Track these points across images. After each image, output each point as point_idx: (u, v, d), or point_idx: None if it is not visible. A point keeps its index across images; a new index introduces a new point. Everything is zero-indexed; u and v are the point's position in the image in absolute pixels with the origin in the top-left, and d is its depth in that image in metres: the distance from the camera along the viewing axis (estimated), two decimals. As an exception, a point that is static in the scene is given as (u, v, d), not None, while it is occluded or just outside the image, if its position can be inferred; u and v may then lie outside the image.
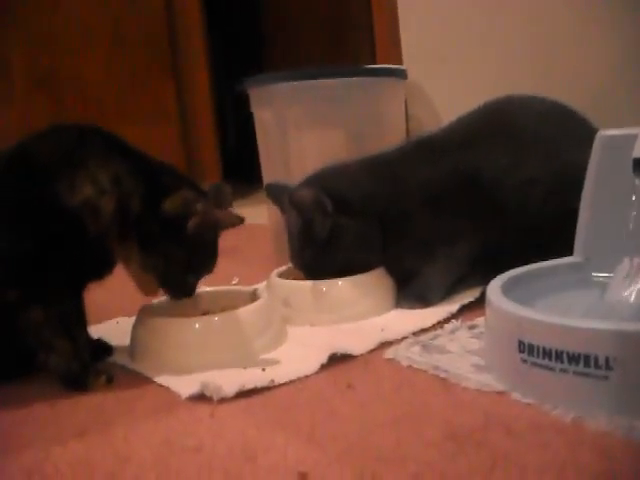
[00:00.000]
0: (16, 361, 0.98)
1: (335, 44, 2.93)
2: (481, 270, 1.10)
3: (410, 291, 1.18)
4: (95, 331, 1.07)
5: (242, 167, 2.43)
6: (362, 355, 0.98)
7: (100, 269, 0.99)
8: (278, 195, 1.25)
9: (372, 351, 0.99)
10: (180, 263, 0.97)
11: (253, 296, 1.08)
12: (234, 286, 1.26)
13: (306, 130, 1.59)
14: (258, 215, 1.82)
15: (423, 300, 1.16)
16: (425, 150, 1.23)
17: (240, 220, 0.98)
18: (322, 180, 1.18)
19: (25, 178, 0.93)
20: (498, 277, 0.93)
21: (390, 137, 1.57)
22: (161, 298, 1.06)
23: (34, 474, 0.73)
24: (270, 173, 1.63)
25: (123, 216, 0.94)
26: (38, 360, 0.94)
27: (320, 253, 1.15)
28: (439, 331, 1.04)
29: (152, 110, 2.51)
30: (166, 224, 0.95)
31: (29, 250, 0.91)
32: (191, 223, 0.94)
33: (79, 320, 1.00)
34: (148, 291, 1.00)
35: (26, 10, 2.29)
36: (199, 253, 0.98)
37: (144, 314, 1.04)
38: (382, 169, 1.21)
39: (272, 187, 1.30)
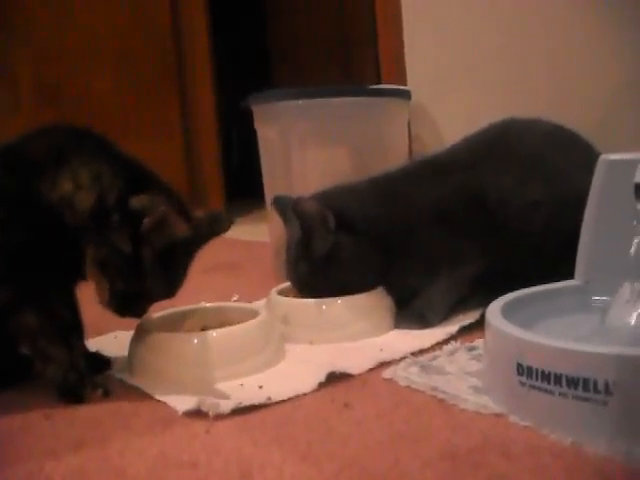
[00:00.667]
0: (12, 368, 0.97)
1: (341, 62, 2.94)
2: (482, 291, 1.10)
3: (410, 311, 1.18)
4: (93, 344, 1.07)
5: (245, 184, 2.44)
6: (360, 374, 0.97)
7: (83, 268, 0.96)
8: (284, 207, 1.26)
9: (370, 370, 0.99)
10: (126, 268, 0.93)
11: (252, 313, 1.08)
12: (234, 302, 1.26)
13: (310, 148, 1.59)
14: (259, 233, 1.82)
15: (423, 321, 1.16)
16: (430, 170, 1.23)
17: (189, 231, 0.94)
18: (327, 197, 1.18)
19: (11, 175, 0.93)
20: (498, 299, 0.93)
21: (393, 157, 1.57)
22: (159, 313, 1.06)
23: (29, 486, 0.72)
24: (273, 190, 1.63)
25: (97, 215, 0.92)
26: (34, 369, 0.94)
27: (315, 269, 1.15)
28: (438, 352, 1.04)
29: (156, 126, 2.53)
30: (124, 221, 0.92)
31: (19, 246, 0.90)
32: (146, 220, 0.92)
33: (75, 329, 0.99)
34: (105, 302, 0.96)
35: (34, 26, 2.31)
36: (149, 266, 0.94)
37: (142, 328, 1.04)
38: (387, 189, 1.21)
39: (279, 199, 1.30)
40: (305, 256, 1.16)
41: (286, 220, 1.24)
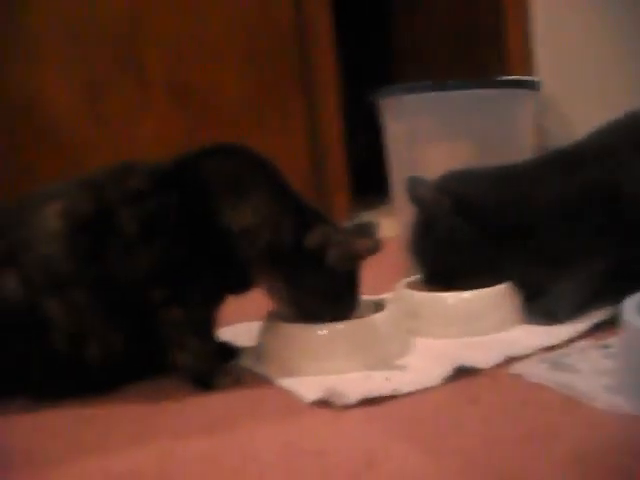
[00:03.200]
0: (148, 361, 1.02)
1: (464, 58, 2.90)
2: (613, 288, 1.06)
3: (540, 307, 1.15)
4: (223, 334, 1.11)
5: (371, 180, 2.44)
6: (488, 369, 0.96)
7: (240, 288, 1.04)
8: (413, 189, 1.26)
9: (498, 366, 0.97)
10: (322, 295, 1.00)
11: (378, 306, 1.09)
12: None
13: (435, 142, 1.58)
14: (387, 228, 1.82)
15: (553, 317, 1.13)
16: (558, 164, 1.20)
17: (377, 245, 0.99)
18: (447, 181, 1.18)
19: (190, 191, 0.99)
20: (633, 296, 0.89)
21: (519, 150, 1.53)
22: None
23: (163, 464, 0.76)
24: (399, 185, 1.63)
25: (274, 249, 0.99)
26: (169, 359, 0.99)
27: (436, 251, 1.16)
28: (569, 349, 1.01)
29: (281, 123, 2.56)
30: (308, 258, 0.99)
31: (182, 256, 0.97)
32: (330, 253, 0.98)
33: (212, 324, 1.04)
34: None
35: (165, 24, 2.38)
36: (339, 289, 1.01)
37: (271, 319, 1.06)
38: (512, 181, 1.19)
39: (411, 181, 1.31)
40: (426, 240, 1.17)
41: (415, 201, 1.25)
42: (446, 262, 1.16)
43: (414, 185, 1.25)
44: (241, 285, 1.04)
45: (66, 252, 0.95)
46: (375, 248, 0.99)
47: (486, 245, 1.14)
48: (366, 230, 1.05)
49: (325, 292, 1.00)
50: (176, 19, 2.40)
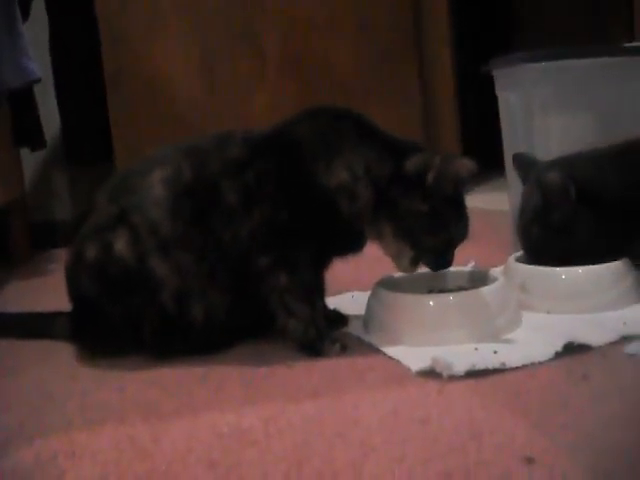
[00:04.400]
0: (254, 324, 1.05)
1: (590, 28, 2.79)
2: None
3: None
4: (332, 302, 1.12)
5: (482, 152, 2.40)
6: (600, 347, 0.93)
7: (348, 247, 1.05)
8: (523, 165, 1.25)
9: (612, 344, 0.94)
10: (430, 225, 0.99)
11: (488, 279, 1.07)
12: (470, 268, 1.25)
13: (553, 114, 1.53)
14: (497, 201, 1.78)
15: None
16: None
17: (473, 165, 0.98)
18: (572, 166, 1.14)
19: (285, 156, 1.01)
20: None
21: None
22: (397, 274, 1.08)
23: (270, 425, 0.78)
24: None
25: (375, 199, 0.99)
26: (277, 324, 1.01)
27: (549, 237, 1.12)
28: (689, 329, 0.97)
29: (395, 93, 2.54)
30: (409, 187, 0.98)
31: (284, 220, 0.99)
32: (430, 175, 0.97)
33: (319, 290, 1.05)
34: (405, 267, 1.02)
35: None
36: (446, 214, 0.99)
37: (379, 288, 1.06)
38: (634, 159, 1.14)
39: (519, 157, 1.29)
40: (541, 223, 1.13)
41: (525, 179, 1.22)
42: (561, 249, 1.12)
43: (526, 161, 1.23)
44: (348, 245, 1.04)
45: (170, 217, 0.99)
46: (473, 167, 0.98)
47: (606, 231, 1.11)
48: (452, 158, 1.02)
49: (428, 217, 0.99)
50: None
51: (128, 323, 1.02)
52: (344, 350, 0.99)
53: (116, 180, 1.08)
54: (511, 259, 1.19)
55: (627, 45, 1.63)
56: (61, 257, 1.13)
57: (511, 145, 1.61)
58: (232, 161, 1.02)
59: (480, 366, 0.87)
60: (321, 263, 1.04)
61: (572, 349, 0.92)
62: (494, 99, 1.65)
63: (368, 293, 1.08)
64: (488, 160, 2.12)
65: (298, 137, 1.03)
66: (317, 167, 0.99)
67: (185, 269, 0.99)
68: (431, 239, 0.99)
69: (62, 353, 1.10)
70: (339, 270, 1.06)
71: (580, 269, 1.10)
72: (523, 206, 1.19)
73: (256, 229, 0.99)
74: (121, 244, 0.99)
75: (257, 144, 1.04)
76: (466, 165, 0.98)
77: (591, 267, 1.10)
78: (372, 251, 1.05)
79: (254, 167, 1.01)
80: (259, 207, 0.99)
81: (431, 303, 1.01)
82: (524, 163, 1.25)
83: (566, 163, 1.16)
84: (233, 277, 1.01)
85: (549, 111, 1.52)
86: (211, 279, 1.00)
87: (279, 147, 1.03)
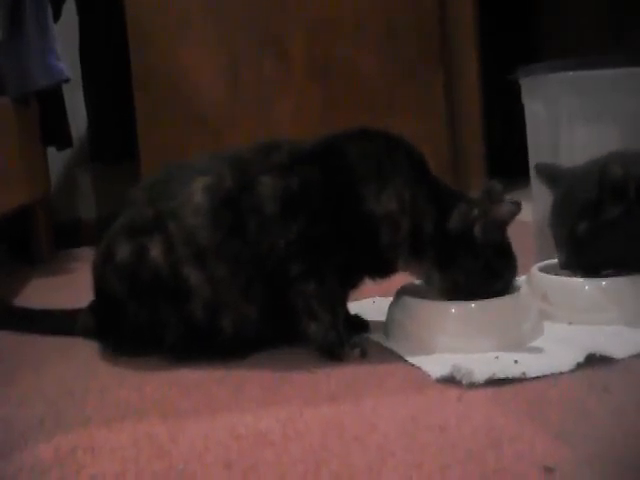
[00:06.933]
0: (280, 331, 1.05)
1: (617, 38, 2.77)
2: None
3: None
4: (353, 308, 1.12)
5: (507, 162, 2.39)
6: (623, 360, 0.92)
7: (377, 272, 1.05)
8: (548, 174, 1.24)
9: (634, 357, 0.93)
10: (481, 274, 1.00)
11: (512, 288, 1.06)
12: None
13: (579, 124, 1.52)
14: (523, 211, 1.78)
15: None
16: None
17: (517, 207, 0.99)
18: (631, 163, 1.11)
19: (333, 172, 1.02)
20: None
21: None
22: (419, 280, 1.08)
23: (288, 427, 0.78)
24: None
25: (416, 234, 1.00)
26: (300, 329, 1.01)
27: (599, 231, 1.10)
28: None
29: (420, 102, 2.53)
30: (457, 241, 1.00)
31: (323, 234, 1.00)
32: (476, 229, 0.99)
33: (343, 301, 1.06)
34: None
35: (307, 3, 2.40)
36: (499, 263, 1.01)
37: (401, 295, 1.06)
38: None
39: (542, 166, 1.28)
40: (591, 217, 1.11)
41: (553, 185, 1.21)
42: (609, 247, 1.10)
43: (550, 170, 1.21)
44: (380, 270, 1.05)
45: (209, 226, 0.99)
46: (516, 209, 0.99)
47: None
48: (496, 196, 1.02)
49: (482, 270, 1.00)
50: (317, -2, 2.41)
51: (153, 327, 1.02)
52: (364, 355, 0.99)
53: (155, 183, 1.08)
54: (534, 269, 1.18)
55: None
56: (84, 256, 1.14)
57: (536, 155, 1.60)
58: (276, 166, 1.02)
59: (500, 375, 0.86)
60: (350, 279, 1.04)
61: (594, 361, 0.91)
62: (521, 109, 1.64)
63: (390, 299, 1.08)
64: (513, 170, 2.11)
65: (350, 156, 1.03)
66: (367, 191, 1.00)
67: (219, 280, 0.99)
68: (485, 289, 1.01)
69: (83, 350, 1.11)
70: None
71: (604, 281, 1.09)
72: (556, 209, 1.17)
73: (293, 239, 0.99)
74: (156, 250, 0.99)
75: (304, 154, 1.04)
76: (508, 209, 0.99)
77: (614, 279, 1.09)
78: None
79: (299, 175, 1.01)
80: (299, 217, 0.99)
81: (453, 310, 1.01)
82: (549, 171, 1.24)
83: (625, 159, 1.13)
84: (265, 288, 1.01)
85: (576, 122, 1.52)
86: (244, 289, 1.00)
87: (327, 163, 1.03)
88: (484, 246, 0.99)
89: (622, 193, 1.08)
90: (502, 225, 1.00)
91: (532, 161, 1.63)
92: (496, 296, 1.01)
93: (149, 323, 1.02)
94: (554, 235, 1.17)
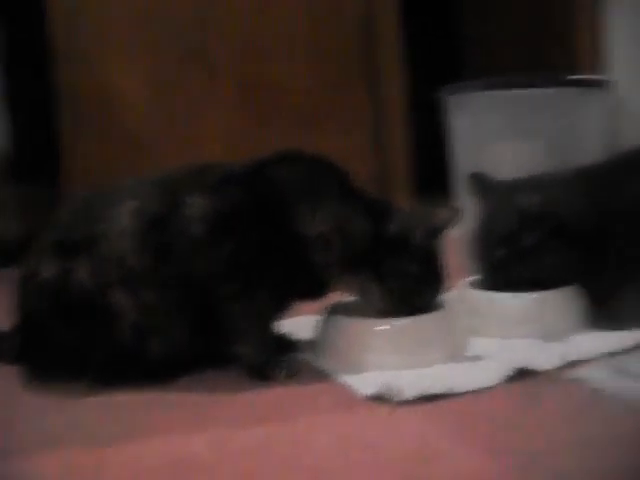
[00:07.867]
0: (208, 353, 1.03)
1: (535, 56, 2.85)
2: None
3: (606, 312, 1.12)
4: (283, 326, 1.11)
5: (432, 179, 2.43)
6: (547, 372, 0.94)
7: (312, 293, 1.05)
8: (481, 186, 1.24)
9: (559, 369, 0.95)
10: (415, 280, 1.01)
11: (438, 304, 1.07)
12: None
13: (502, 141, 1.56)
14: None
15: (619, 322, 1.10)
16: (632, 165, 1.17)
17: (457, 212, 1.01)
18: (544, 190, 1.15)
19: (263, 194, 1.01)
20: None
21: (589, 152, 1.50)
22: (347, 298, 1.08)
23: (220, 450, 0.77)
24: (463, 185, 1.61)
25: (351, 250, 1.00)
26: (230, 350, 1.00)
27: (515, 258, 1.13)
28: (633, 356, 0.99)
29: (346, 119, 2.55)
30: (395, 249, 1.00)
31: (253, 258, 0.99)
32: (417, 233, 1.00)
33: (273, 318, 1.05)
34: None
35: (233, 19, 2.39)
36: (430, 264, 1.02)
37: (330, 312, 1.06)
38: (588, 184, 1.16)
39: (477, 176, 1.27)
40: (508, 243, 1.13)
41: (483, 198, 1.22)
42: (527, 270, 1.13)
43: (483, 181, 1.23)
44: (313, 290, 1.04)
45: (137, 249, 0.98)
46: (457, 214, 1.01)
47: (573, 255, 1.13)
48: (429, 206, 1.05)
49: (418, 276, 1.01)
50: (244, 14, 2.42)
51: (79, 349, 0.99)
52: (293, 375, 0.98)
53: (81, 205, 1.06)
54: (463, 284, 1.20)
55: (569, 77, 1.67)
56: (4, 277, 1.10)
57: (461, 172, 1.64)
58: (205, 188, 1.00)
59: (429, 391, 0.87)
60: (281, 301, 1.04)
61: (520, 374, 0.92)
62: (445, 126, 1.67)
63: (318, 317, 1.08)
64: (438, 186, 2.15)
65: (279, 178, 1.02)
66: (297, 212, 0.99)
67: (147, 303, 0.97)
68: (414, 296, 1.02)
69: (2, 377, 1.07)
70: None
71: (530, 295, 1.11)
72: (483, 226, 1.19)
73: (223, 261, 0.98)
74: (83, 271, 0.97)
75: (234, 177, 1.03)
76: (450, 214, 1.01)
77: (540, 293, 1.11)
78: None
79: (229, 197, 1.00)
80: (228, 239, 0.98)
81: (380, 328, 1.01)
82: (482, 183, 1.24)
83: (537, 186, 1.17)
84: (194, 309, 0.99)
85: (498, 139, 1.55)
86: (173, 314, 0.99)
87: (257, 183, 1.02)
88: (421, 253, 1.00)
89: (538, 224, 1.11)
90: (442, 230, 1.02)
91: (455, 178, 1.66)
92: (425, 309, 1.02)
93: (74, 345, 0.99)
94: (476, 258, 1.19)
